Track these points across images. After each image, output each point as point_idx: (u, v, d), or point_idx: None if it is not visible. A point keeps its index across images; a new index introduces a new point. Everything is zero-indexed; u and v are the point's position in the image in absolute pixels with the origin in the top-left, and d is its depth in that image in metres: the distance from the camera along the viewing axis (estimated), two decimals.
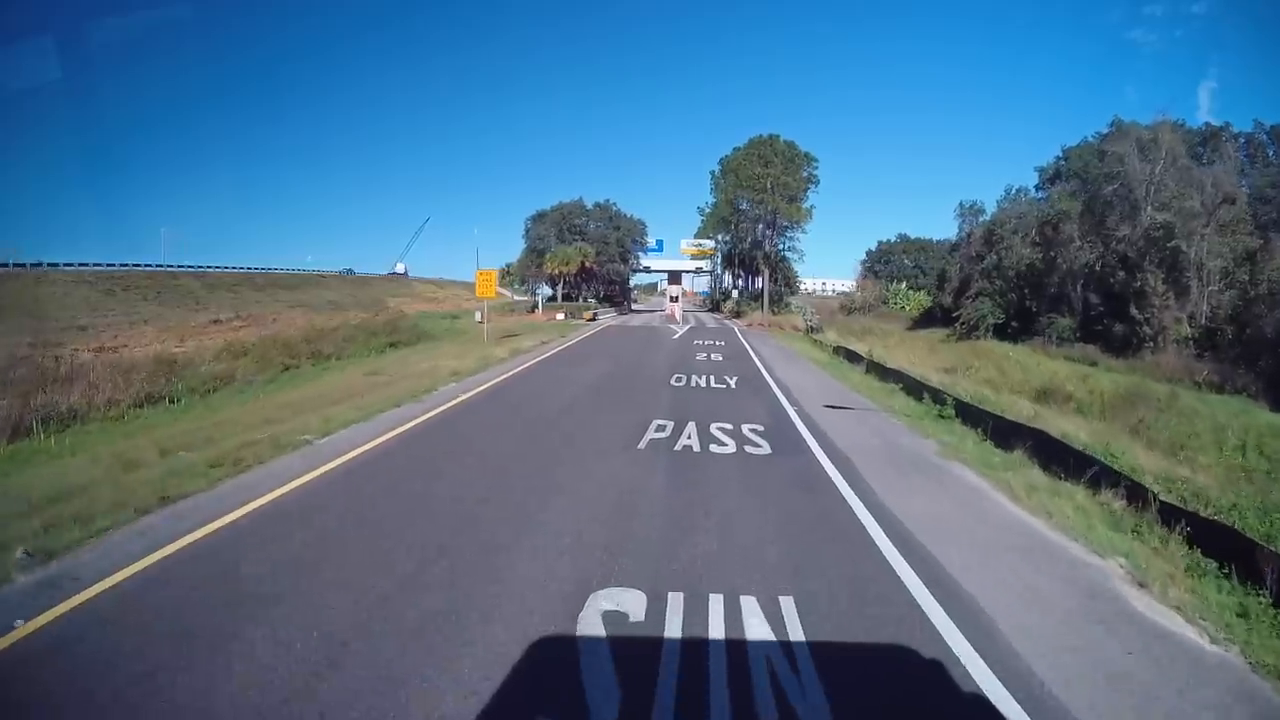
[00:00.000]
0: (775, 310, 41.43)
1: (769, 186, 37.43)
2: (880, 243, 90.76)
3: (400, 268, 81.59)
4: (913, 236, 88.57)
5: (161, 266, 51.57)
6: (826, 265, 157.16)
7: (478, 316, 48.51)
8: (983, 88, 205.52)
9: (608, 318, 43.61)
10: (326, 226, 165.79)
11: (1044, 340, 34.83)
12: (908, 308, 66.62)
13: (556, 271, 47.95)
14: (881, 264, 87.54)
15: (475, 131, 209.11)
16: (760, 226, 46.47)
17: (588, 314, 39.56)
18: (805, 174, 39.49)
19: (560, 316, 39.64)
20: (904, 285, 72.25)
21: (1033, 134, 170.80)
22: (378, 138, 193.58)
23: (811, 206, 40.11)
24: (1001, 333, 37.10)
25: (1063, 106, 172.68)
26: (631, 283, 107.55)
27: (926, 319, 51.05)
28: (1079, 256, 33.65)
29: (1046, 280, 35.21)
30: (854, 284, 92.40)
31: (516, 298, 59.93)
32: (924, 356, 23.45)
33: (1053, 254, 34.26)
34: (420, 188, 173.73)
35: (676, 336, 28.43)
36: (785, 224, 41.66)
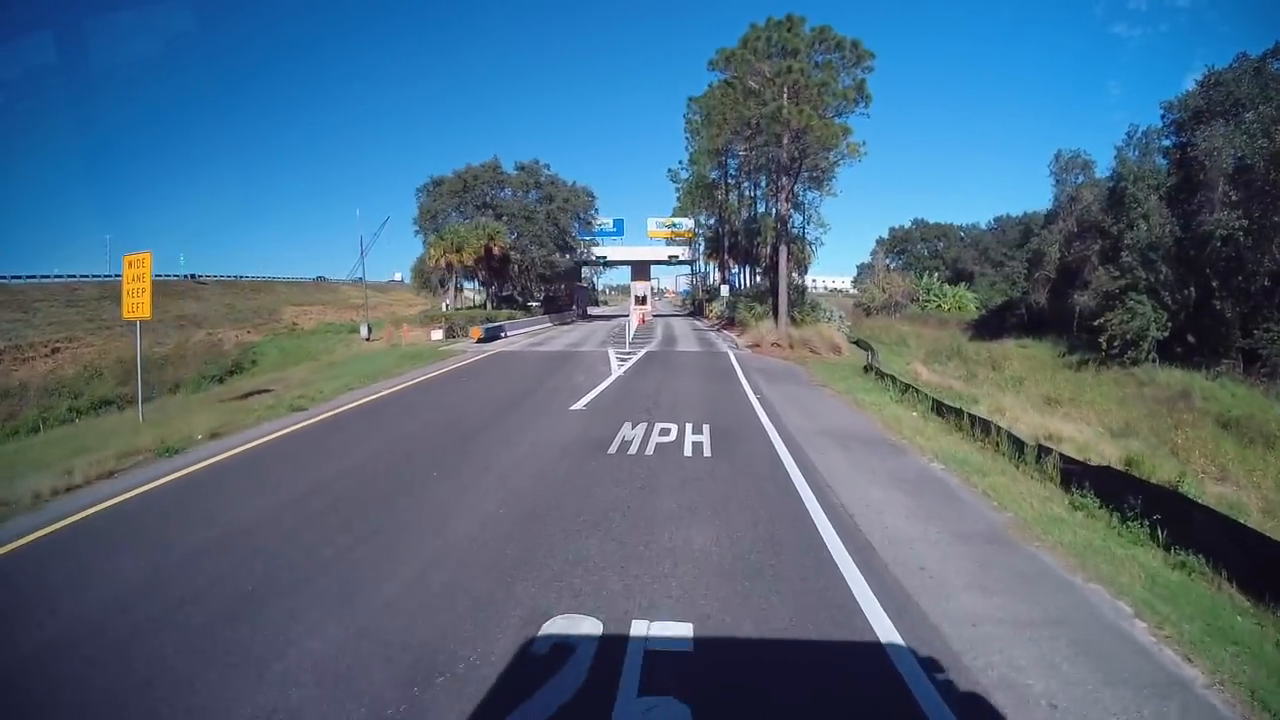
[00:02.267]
0: (796, 317, 24.28)
1: (786, 92, 19.19)
2: (893, 229, 76.65)
3: (397, 275, 72.43)
4: (930, 221, 74.57)
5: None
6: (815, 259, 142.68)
7: (363, 331, 34.30)
8: (980, 69, 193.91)
9: (519, 335, 26.38)
10: (327, 229, 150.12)
11: (1253, 371, 20.52)
12: (946, 306, 52.43)
13: (444, 262, 30.64)
14: (896, 254, 73.35)
15: (458, 127, 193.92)
16: (765, 179, 28.80)
17: (475, 331, 23.17)
18: (851, 80, 20.45)
19: (436, 334, 23.76)
20: (936, 278, 58.08)
21: (1031, 128, 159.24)
22: (358, 138, 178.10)
23: (862, 142, 21.49)
24: (1166, 353, 22.70)
25: (1062, 99, 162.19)
26: (600, 282, 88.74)
27: (997, 323, 36.45)
28: None
29: (1254, 266, 20.81)
30: (851, 281, 77.91)
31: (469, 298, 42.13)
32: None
33: (1278, 218, 19.84)
34: (395, 187, 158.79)
35: (580, 406, 10.40)
36: (816, 164, 23.46)
